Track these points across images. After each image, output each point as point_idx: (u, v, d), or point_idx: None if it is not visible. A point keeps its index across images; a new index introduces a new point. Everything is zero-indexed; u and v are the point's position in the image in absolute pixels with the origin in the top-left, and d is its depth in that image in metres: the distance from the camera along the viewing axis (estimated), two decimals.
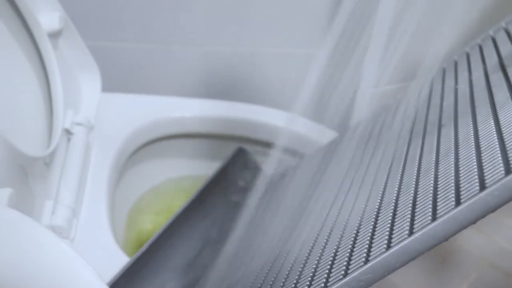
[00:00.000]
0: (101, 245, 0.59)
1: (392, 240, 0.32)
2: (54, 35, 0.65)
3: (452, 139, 0.40)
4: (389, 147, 0.50)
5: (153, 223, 0.76)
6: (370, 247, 0.33)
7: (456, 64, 0.59)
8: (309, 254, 0.41)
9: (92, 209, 0.62)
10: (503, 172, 0.29)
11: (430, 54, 0.81)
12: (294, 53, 0.95)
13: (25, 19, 0.59)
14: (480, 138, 0.37)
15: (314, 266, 0.37)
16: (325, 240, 0.41)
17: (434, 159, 0.39)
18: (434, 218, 0.30)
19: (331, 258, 0.37)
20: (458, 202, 0.30)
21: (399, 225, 0.33)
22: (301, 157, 0.76)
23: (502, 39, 0.56)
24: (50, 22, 0.63)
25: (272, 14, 0.90)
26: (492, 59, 0.52)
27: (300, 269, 0.39)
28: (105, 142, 0.71)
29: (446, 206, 0.30)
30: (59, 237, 0.37)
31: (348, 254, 0.35)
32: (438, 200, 0.32)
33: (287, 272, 0.41)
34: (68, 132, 0.66)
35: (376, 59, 0.79)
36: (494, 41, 0.57)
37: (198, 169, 0.83)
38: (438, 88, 0.56)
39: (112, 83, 0.80)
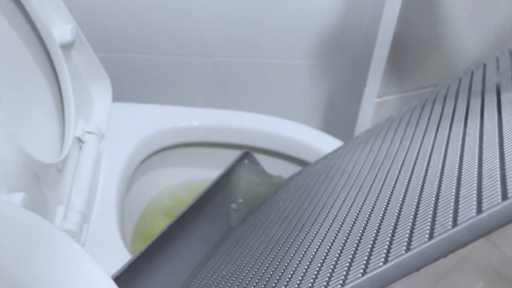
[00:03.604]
0: (110, 250, 0.60)
1: (369, 266, 0.34)
2: (66, 47, 0.66)
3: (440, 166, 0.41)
4: (385, 165, 0.50)
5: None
6: (347, 274, 0.35)
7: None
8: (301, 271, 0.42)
9: (102, 214, 0.64)
10: (475, 210, 0.30)
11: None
12: (300, 64, 0.96)
13: (38, 31, 0.61)
14: (463, 170, 0.37)
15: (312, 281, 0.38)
16: (326, 250, 0.42)
17: (420, 184, 0.40)
18: (407, 249, 0.32)
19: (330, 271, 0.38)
20: (431, 236, 0.31)
21: (377, 251, 0.34)
22: (305, 165, 0.77)
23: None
24: (63, 34, 0.65)
25: (278, 27, 0.91)
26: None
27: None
28: (115, 150, 0.72)
29: (420, 239, 0.32)
30: None
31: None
32: (415, 231, 0.33)
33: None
34: (79, 140, 0.67)
35: (380, 69, 0.80)
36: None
37: (206, 177, 0.84)
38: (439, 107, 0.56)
39: (122, 93, 0.81)
